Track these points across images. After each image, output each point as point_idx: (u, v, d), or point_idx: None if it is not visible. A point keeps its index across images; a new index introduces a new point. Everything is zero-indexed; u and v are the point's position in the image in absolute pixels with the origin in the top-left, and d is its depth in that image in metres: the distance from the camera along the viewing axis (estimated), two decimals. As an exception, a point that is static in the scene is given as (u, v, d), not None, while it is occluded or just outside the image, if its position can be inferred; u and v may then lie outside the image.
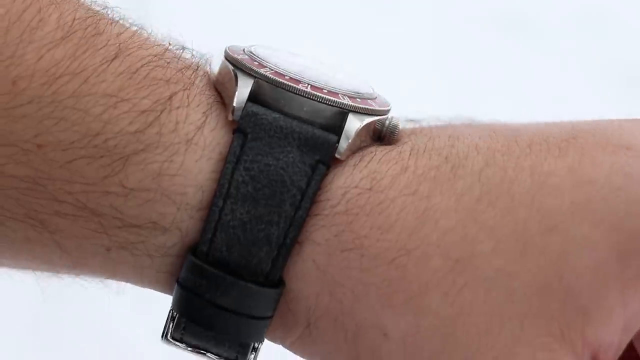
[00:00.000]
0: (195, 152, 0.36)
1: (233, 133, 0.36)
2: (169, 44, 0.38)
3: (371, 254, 0.36)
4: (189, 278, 0.36)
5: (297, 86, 0.37)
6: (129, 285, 0.40)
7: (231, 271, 0.36)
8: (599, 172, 0.35)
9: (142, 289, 0.40)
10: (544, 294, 0.34)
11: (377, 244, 0.36)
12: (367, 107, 0.38)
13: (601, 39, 0.90)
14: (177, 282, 0.36)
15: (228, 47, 0.39)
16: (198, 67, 0.38)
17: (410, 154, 0.37)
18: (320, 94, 0.37)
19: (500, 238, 0.35)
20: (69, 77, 0.35)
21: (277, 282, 0.36)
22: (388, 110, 0.38)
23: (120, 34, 0.37)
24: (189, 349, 0.38)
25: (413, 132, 0.38)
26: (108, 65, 0.36)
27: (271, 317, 0.36)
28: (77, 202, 0.36)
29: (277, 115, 0.37)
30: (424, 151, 0.37)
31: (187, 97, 0.36)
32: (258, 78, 0.37)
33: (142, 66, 0.36)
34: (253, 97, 0.37)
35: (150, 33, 0.38)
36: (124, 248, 0.37)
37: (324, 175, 0.36)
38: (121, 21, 0.38)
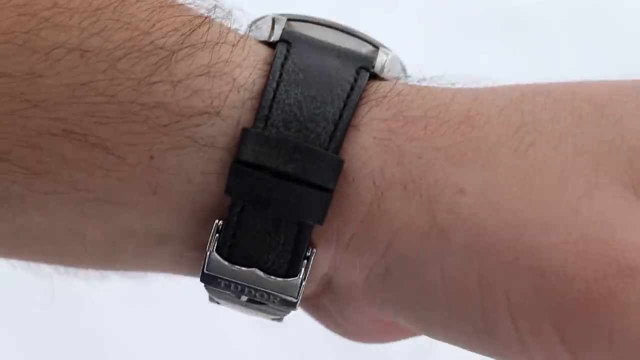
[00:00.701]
0: (244, 48, 0.36)
1: (277, 42, 0.37)
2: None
3: (435, 123, 0.36)
4: (247, 151, 0.35)
5: (332, 22, 0.37)
6: (127, 286, 0.40)
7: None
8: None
9: (141, 288, 0.40)
10: (611, 150, 0.35)
11: (439, 115, 0.36)
12: (390, 51, 0.38)
13: (601, 38, 0.90)
14: (233, 162, 0.35)
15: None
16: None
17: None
18: (353, 30, 0.38)
19: (556, 111, 0.36)
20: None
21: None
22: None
23: None
24: (235, 267, 0.36)
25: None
26: None
27: (332, 190, 0.35)
28: (122, 106, 0.35)
29: (315, 34, 0.37)
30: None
31: (230, 15, 0.37)
32: (291, 20, 0.37)
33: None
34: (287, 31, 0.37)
35: None
36: (169, 149, 0.35)
37: (369, 74, 0.37)
38: None
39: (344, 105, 0.36)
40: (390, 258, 0.35)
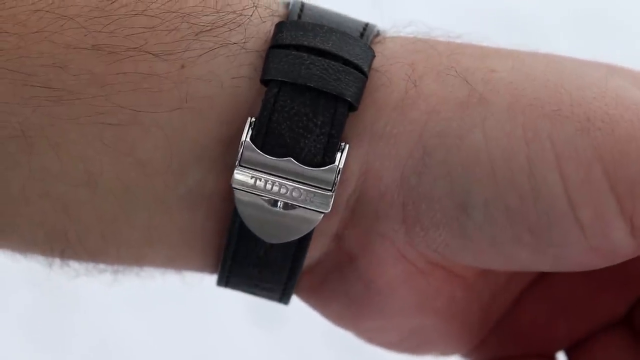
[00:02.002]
0: None
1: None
2: None
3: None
4: (284, 37, 0.35)
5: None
6: (127, 286, 0.40)
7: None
8: None
9: (141, 288, 0.40)
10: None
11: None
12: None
13: (600, 39, 0.90)
14: (269, 49, 0.35)
15: None
16: None
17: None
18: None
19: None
20: None
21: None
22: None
23: None
24: (270, 157, 0.35)
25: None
26: None
27: (367, 73, 0.35)
28: (152, 19, 0.34)
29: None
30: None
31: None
32: None
33: None
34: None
35: None
36: (201, 56, 0.35)
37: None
38: None
39: (366, 25, 0.36)
40: (428, 136, 0.35)
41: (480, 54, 0.36)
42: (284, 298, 0.38)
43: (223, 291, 0.41)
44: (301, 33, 0.35)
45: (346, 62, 0.35)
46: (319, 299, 0.39)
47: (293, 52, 0.35)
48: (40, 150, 0.34)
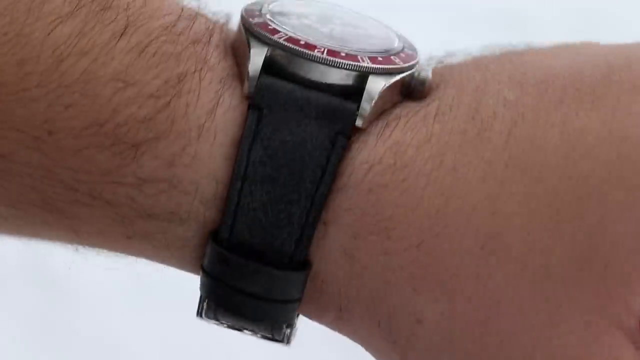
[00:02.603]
0: (208, 138, 0.35)
1: (248, 109, 0.35)
2: (182, 10, 0.36)
3: (397, 237, 0.34)
4: (213, 266, 0.35)
5: (312, 52, 0.35)
6: (128, 285, 0.40)
7: (255, 254, 0.35)
8: (633, 126, 0.33)
9: (140, 287, 0.40)
10: (581, 268, 0.33)
11: (403, 226, 0.34)
12: (389, 66, 0.36)
13: (600, 39, 0.90)
14: (202, 269, 0.35)
15: (245, 9, 0.37)
16: (212, 34, 0.36)
17: (436, 116, 0.35)
18: (337, 59, 0.35)
19: (531, 210, 0.33)
20: (77, 57, 0.34)
21: (303, 264, 0.35)
22: (414, 65, 0.36)
23: (131, 2, 0.35)
24: (224, 326, 0.37)
25: (443, 79, 0.36)
26: (117, 42, 0.34)
27: (300, 299, 0.35)
28: (93, 192, 0.34)
29: (292, 86, 0.35)
30: (450, 110, 0.35)
31: (199, 76, 0.35)
32: (272, 45, 0.35)
33: (151, 42, 0.35)
34: (268, 66, 0.35)
35: None
36: (144, 238, 0.35)
37: (344, 149, 0.35)
38: None
39: (312, 204, 0.34)
40: None
41: (415, 279, 0.34)
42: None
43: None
44: (228, 271, 0.35)
45: (275, 300, 0.35)
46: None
47: (222, 287, 0.35)
48: None
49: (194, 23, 0.36)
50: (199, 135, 0.34)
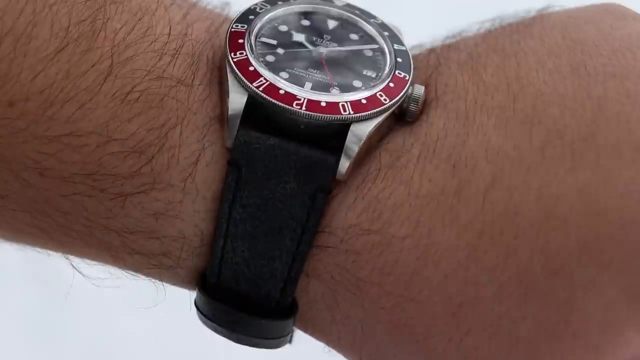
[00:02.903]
0: (191, 192, 0.35)
1: (228, 164, 0.35)
2: (170, 30, 0.35)
3: (372, 299, 0.35)
4: (204, 308, 0.36)
5: (291, 107, 0.34)
6: (128, 285, 0.41)
7: (243, 299, 0.35)
8: (610, 198, 0.32)
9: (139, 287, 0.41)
10: (551, 339, 0.33)
11: (377, 288, 0.34)
12: (373, 110, 0.35)
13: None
14: (195, 306, 0.36)
15: (232, 27, 0.36)
16: (199, 60, 0.35)
17: (417, 163, 0.35)
18: (316, 113, 0.35)
19: (503, 282, 0.33)
20: (61, 104, 0.34)
21: (291, 306, 0.35)
22: (403, 95, 0.36)
23: (117, 31, 0.34)
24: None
25: (436, 88, 0.36)
26: (101, 86, 0.34)
27: (291, 332, 0.36)
28: (85, 230, 0.35)
29: (272, 141, 0.35)
30: (434, 153, 0.35)
31: (180, 129, 0.35)
32: (250, 94, 0.35)
33: (135, 86, 0.34)
34: (249, 109, 0.35)
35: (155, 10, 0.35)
36: (137, 268, 0.36)
37: (324, 205, 0.35)
38: (121, 6, 0.35)
39: (293, 260, 0.35)
40: None
41: (392, 333, 0.35)
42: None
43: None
44: (218, 315, 0.36)
45: (269, 338, 0.36)
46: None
47: (215, 324, 0.36)
48: None
49: (181, 48, 0.35)
50: (183, 190, 0.35)
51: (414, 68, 0.36)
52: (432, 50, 0.38)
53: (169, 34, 0.35)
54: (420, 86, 0.36)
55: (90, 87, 0.34)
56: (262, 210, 0.35)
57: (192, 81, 0.35)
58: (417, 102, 0.36)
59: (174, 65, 0.35)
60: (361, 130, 0.35)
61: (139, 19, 0.35)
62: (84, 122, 0.34)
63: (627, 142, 0.33)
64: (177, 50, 0.35)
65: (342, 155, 0.35)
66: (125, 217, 0.35)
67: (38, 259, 0.40)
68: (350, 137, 0.35)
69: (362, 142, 0.35)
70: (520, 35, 0.36)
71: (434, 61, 0.37)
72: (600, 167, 0.33)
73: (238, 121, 0.35)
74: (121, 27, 0.35)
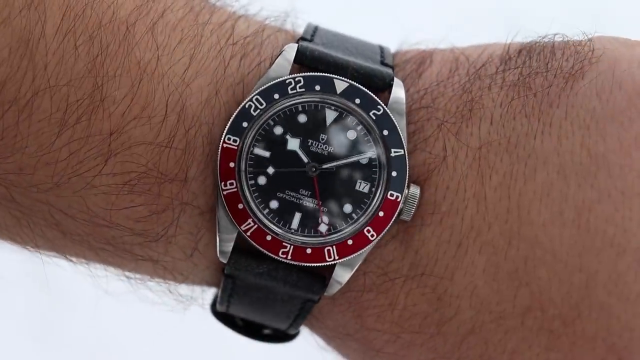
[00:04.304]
0: (194, 278, 0.39)
1: (223, 275, 0.37)
2: (167, 109, 0.36)
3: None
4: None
5: (276, 257, 0.36)
6: (127, 284, 0.41)
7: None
8: None
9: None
10: None
11: None
12: (359, 252, 0.36)
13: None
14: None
15: (226, 134, 0.36)
16: (194, 150, 0.36)
17: (404, 284, 0.35)
18: (301, 263, 0.36)
19: None
20: (67, 178, 0.35)
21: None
22: (394, 221, 0.37)
23: (117, 105, 0.35)
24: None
25: (434, 203, 0.36)
26: (102, 168, 0.35)
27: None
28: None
29: (261, 269, 0.36)
30: (420, 280, 0.35)
31: (174, 240, 0.36)
32: (239, 234, 0.36)
33: (129, 180, 0.35)
34: (238, 240, 0.37)
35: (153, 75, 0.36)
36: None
37: (311, 308, 0.37)
38: (118, 78, 0.35)
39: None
40: None
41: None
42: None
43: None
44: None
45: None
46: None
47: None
48: None
49: (175, 133, 0.36)
50: (185, 274, 0.38)
51: (409, 176, 0.36)
52: (442, 125, 0.37)
53: (165, 113, 0.36)
54: (416, 187, 0.36)
55: (92, 167, 0.35)
56: (256, 305, 0.37)
57: (186, 176, 0.36)
58: (413, 205, 0.36)
59: (167, 159, 0.36)
60: (347, 267, 0.36)
61: (137, 88, 0.35)
62: (86, 204, 0.35)
63: (601, 338, 0.34)
64: (171, 138, 0.36)
65: (327, 289, 0.37)
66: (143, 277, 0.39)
67: (38, 261, 0.40)
68: (335, 276, 0.36)
69: (349, 277, 0.36)
70: (539, 123, 0.35)
71: (441, 147, 0.37)
72: (573, 355, 0.34)
73: (228, 255, 0.36)
74: (122, 99, 0.35)
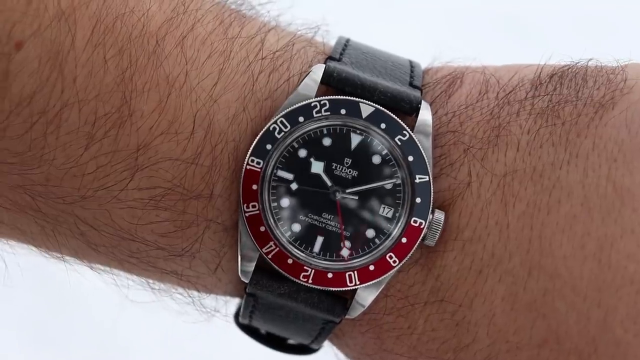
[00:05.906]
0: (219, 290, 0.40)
1: (245, 293, 0.37)
2: (193, 129, 0.36)
3: None
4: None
5: (297, 280, 0.37)
6: (127, 285, 0.41)
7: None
8: None
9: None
10: None
11: None
12: (381, 278, 0.37)
13: (600, 41, 0.90)
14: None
15: (250, 156, 0.37)
16: (220, 175, 0.37)
17: (424, 307, 0.36)
18: (321, 287, 0.37)
19: None
20: (93, 191, 0.36)
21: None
22: (417, 247, 0.37)
23: (145, 120, 0.35)
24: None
25: (457, 230, 0.37)
26: (128, 182, 0.36)
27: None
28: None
29: (282, 290, 0.37)
30: (440, 305, 0.36)
31: (199, 244, 0.37)
32: (261, 256, 0.37)
33: (155, 196, 0.36)
34: (260, 261, 0.37)
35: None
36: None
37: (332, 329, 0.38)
38: (147, 93, 0.36)
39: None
40: None
41: None
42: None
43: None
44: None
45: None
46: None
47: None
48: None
49: (201, 153, 0.36)
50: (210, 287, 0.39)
51: (433, 202, 0.36)
52: (468, 150, 0.37)
53: (193, 129, 0.36)
54: (441, 213, 0.36)
55: (119, 181, 0.36)
56: (277, 322, 0.38)
57: (211, 194, 0.37)
58: (437, 231, 0.36)
59: (193, 176, 0.37)
60: (367, 294, 0.37)
61: (165, 103, 0.36)
62: (111, 217, 0.36)
63: None
64: (198, 154, 0.36)
65: (349, 311, 0.37)
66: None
67: (39, 261, 0.41)
68: (357, 298, 0.37)
69: (371, 301, 0.37)
70: (566, 153, 0.35)
71: (466, 172, 0.37)
72: None
73: (250, 275, 0.37)
74: (147, 118, 0.36)
